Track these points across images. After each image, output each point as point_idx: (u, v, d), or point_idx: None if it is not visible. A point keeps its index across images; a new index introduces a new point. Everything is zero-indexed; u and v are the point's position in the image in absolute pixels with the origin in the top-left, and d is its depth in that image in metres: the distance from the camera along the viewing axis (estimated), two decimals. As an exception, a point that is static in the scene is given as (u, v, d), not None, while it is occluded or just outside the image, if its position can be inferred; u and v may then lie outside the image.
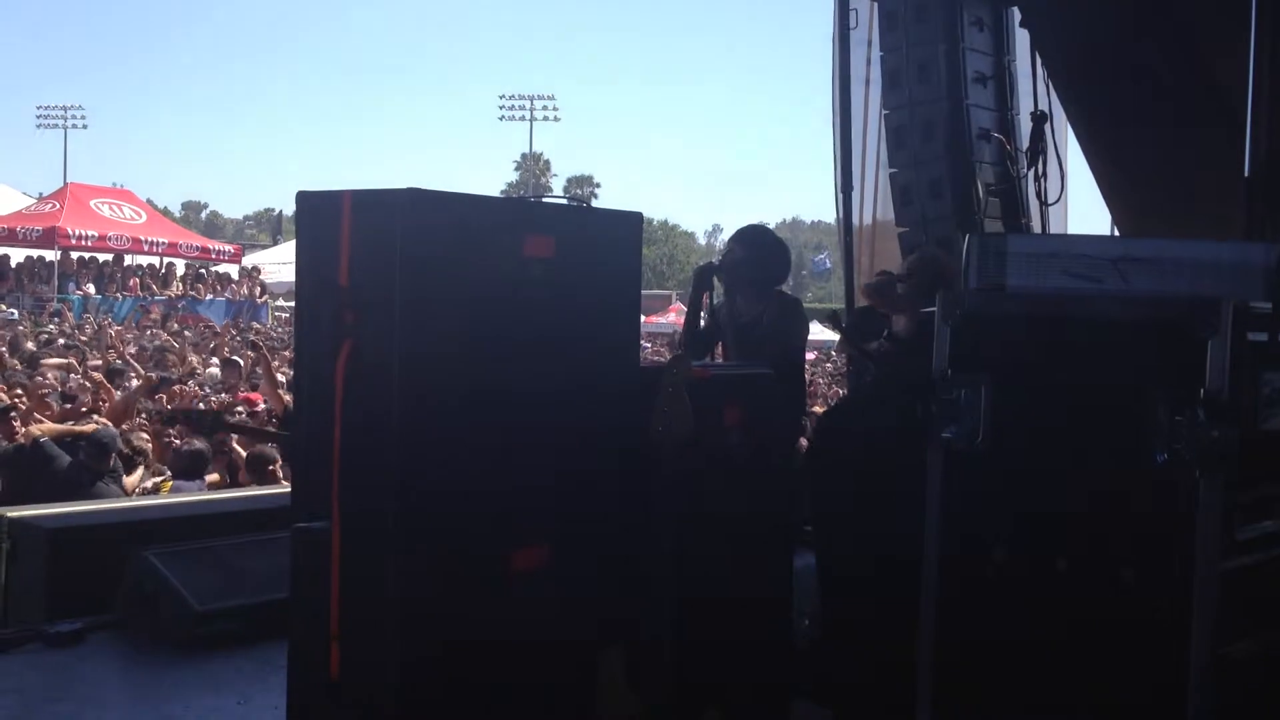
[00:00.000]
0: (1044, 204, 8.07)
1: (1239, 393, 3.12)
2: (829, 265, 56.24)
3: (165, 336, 19.24)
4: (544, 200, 3.86)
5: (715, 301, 5.69)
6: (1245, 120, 5.83)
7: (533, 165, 72.96)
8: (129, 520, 5.69)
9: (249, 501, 6.33)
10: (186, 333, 20.97)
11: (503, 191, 59.69)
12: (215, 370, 13.77)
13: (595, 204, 4.32)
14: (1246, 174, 5.80)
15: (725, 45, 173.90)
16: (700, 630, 3.74)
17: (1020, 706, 3.42)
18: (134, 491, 7.85)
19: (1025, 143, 8.02)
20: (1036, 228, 8.08)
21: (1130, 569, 3.23)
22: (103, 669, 4.73)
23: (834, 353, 19.84)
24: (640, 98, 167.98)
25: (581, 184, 78.20)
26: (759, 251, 5.59)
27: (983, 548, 3.45)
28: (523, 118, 62.61)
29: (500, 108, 62.57)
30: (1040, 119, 7.93)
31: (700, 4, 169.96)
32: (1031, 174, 7.98)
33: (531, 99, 62.35)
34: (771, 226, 5.98)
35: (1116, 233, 8.50)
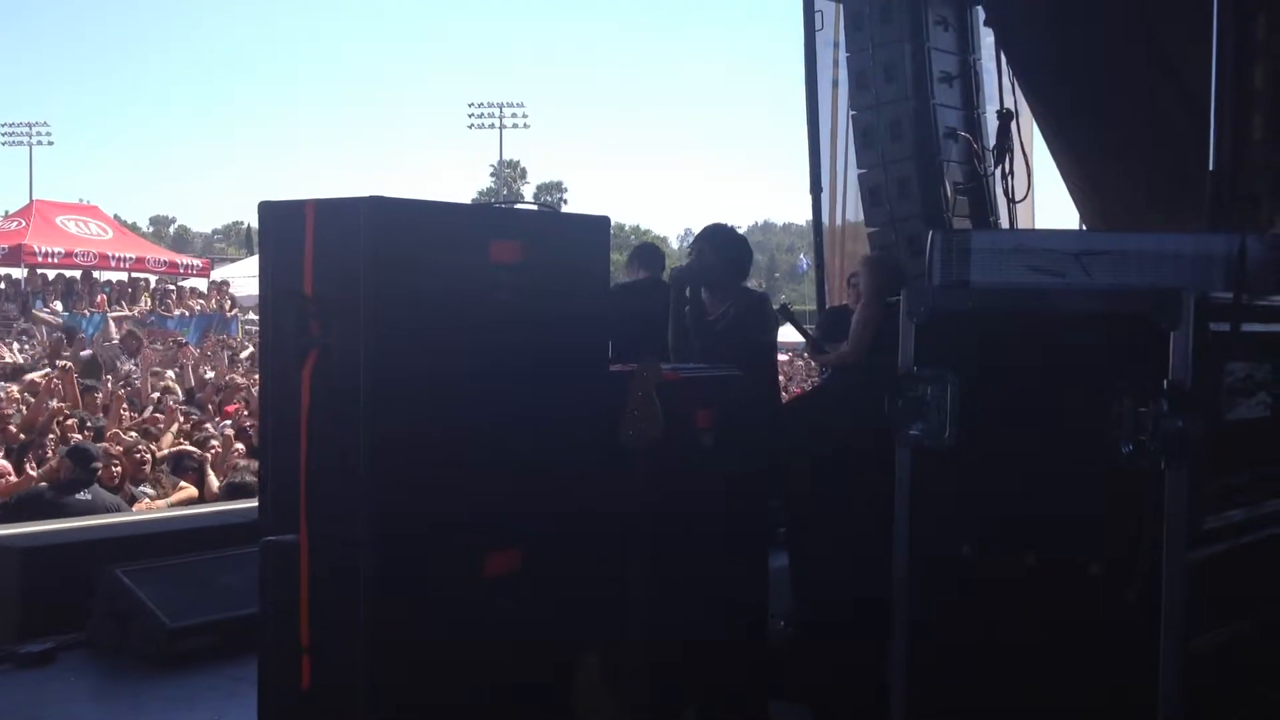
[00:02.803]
0: (1011, 201, 8.13)
1: (1202, 383, 3.14)
2: (806, 267, 56.44)
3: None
4: (510, 206, 3.85)
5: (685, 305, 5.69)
6: (1209, 113, 5.87)
7: (508, 172, 72.84)
8: (100, 538, 5.64)
9: (220, 517, 6.29)
10: (158, 346, 20.74)
11: (474, 199, 59.56)
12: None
13: (565, 210, 4.31)
14: (1211, 166, 5.84)
15: (693, 49, 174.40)
16: (676, 631, 3.74)
17: (992, 701, 3.43)
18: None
19: (992, 141, 8.08)
20: (1005, 225, 8.13)
21: (1098, 562, 3.24)
22: (74, 688, 4.69)
23: (805, 354, 19.88)
24: (609, 103, 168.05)
25: (551, 190, 78.11)
26: (728, 250, 5.65)
27: (952, 544, 3.46)
28: (492, 125, 62.48)
29: (469, 115, 62.48)
30: (1006, 117, 7.99)
31: (667, 8, 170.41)
32: (999, 172, 8.04)
33: (500, 106, 62.31)
34: (743, 229, 5.97)
35: (1084, 228, 8.57)
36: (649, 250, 7.19)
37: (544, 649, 3.59)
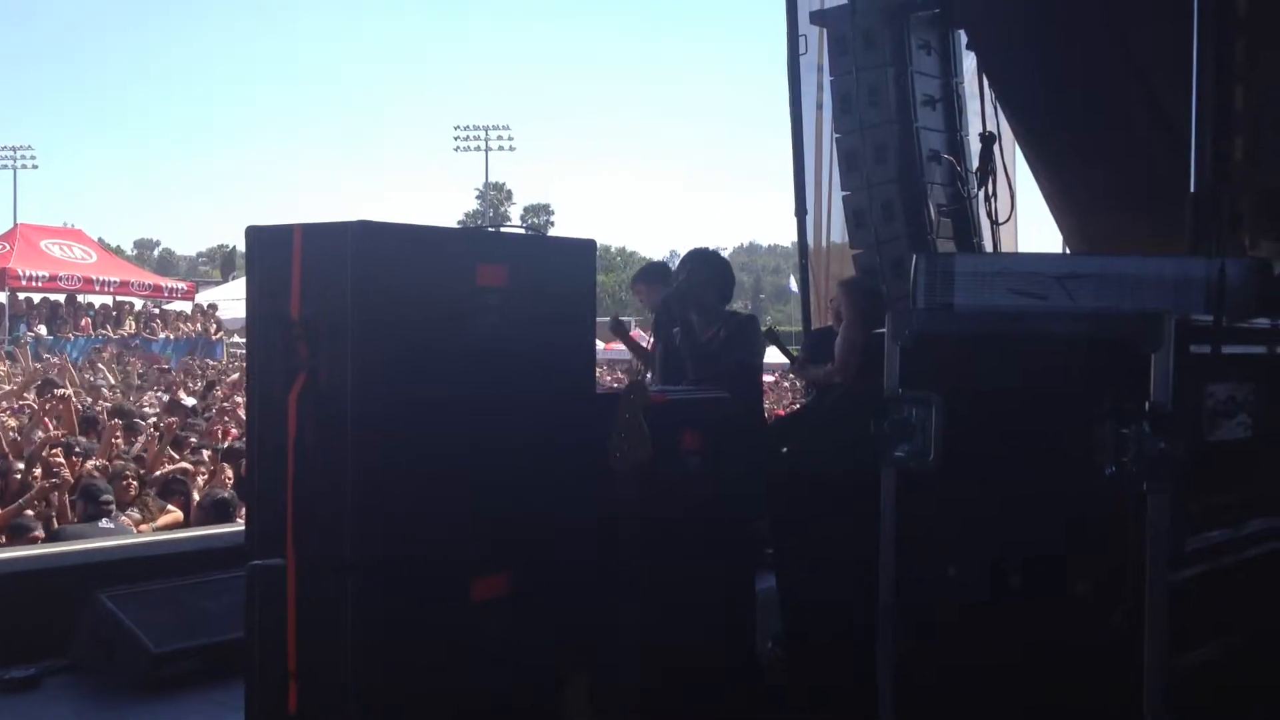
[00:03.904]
0: (995, 223, 8.18)
1: (1184, 405, 3.17)
2: (795, 289, 56.52)
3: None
4: (497, 230, 3.88)
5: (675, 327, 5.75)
6: (1189, 136, 5.93)
7: (494, 194, 72.76)
8: (83, 562, 5.61)
9: (205, 541, 6.26)
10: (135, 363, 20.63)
11: (460, 221, 59.49)
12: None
13: (552, 232, 4.33)
14: (1192, 189, 5.90)
15: (679, 73, 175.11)
16: (665, 653, 3.74)
17: (979, 722, 3.44)
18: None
19: (975, 163, 8.13)
20: (988, 247, 8.17)
21: (1082, 583, 3.25)
22: (59, 714, 4.66)
23: (791, 374, 19.90)
24: (595, 126, 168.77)
25: (538, 212, 78.11)
26: (716, 273, 5.79)
27: (937, 565, 3.47)
28: (478, 148, 62.37)
29: (455, 138, 62.41)
30: (988, 140, 8.03)
31: (652, 33, 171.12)
32: (982, 194, 8.08)
33: (486, 129, 62.23)
34: (729, 250, 6.06)
35: (1067, 248, 8.62)
36: (664, 269, 6.80)
37: (532, 672, 3.59)
